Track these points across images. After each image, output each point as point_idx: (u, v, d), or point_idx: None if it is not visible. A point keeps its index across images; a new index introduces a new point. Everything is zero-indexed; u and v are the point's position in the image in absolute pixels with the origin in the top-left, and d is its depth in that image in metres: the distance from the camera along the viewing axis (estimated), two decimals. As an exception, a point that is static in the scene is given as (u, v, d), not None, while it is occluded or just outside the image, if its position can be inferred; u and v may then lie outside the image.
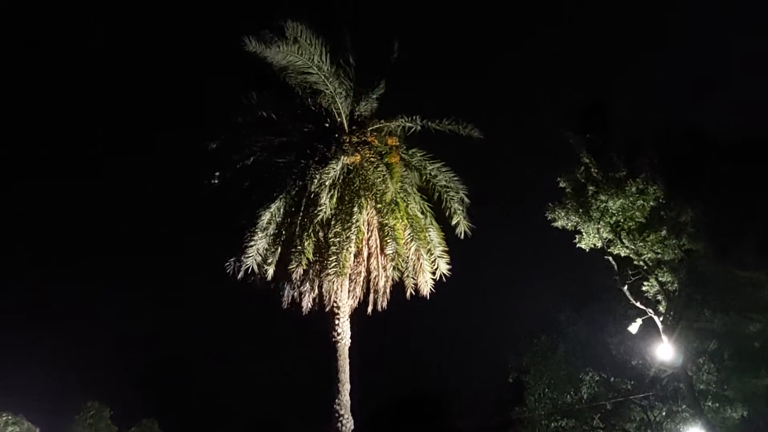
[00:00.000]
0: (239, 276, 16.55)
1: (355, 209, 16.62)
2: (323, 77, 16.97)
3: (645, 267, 27.08)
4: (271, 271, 16.45)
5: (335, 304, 17.35)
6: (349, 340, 17.56)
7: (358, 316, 17.91)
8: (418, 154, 17.81)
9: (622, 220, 26.41)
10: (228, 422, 43.77)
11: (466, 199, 17.40)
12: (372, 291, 17.57)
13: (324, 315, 17.62)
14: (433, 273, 17.33)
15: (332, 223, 16.57)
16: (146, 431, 34.63)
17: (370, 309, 17.69)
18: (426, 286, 17.38)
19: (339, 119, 17.61)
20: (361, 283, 17.53)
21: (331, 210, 16.28)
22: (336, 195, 16.44)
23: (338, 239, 16.31)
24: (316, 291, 17.24)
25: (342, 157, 16.60)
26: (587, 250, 27.67)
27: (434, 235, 17.62)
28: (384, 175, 16.37)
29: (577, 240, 27.64)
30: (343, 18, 18.18)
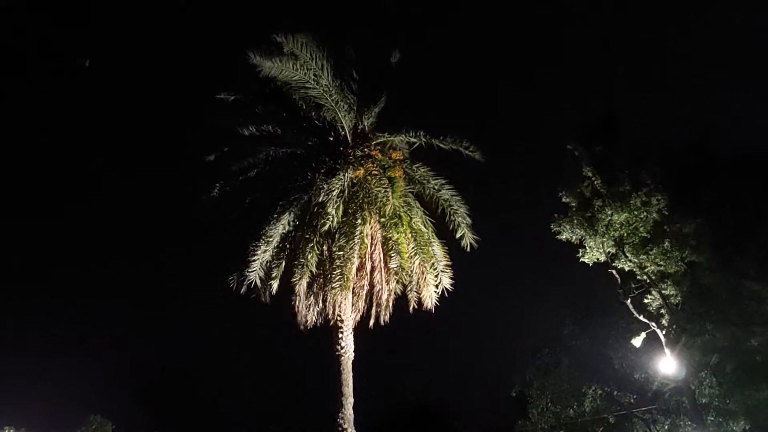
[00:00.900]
0: (242, 291, 16.57)
1: (359, 222, 16.62)
2: (322, 91, 17.02)
3: (648, 280, 27.08)
4: (275, 285, 16.44)
5: (339, 318, 17.30)
6: (353, 354, 17.49)
7: (360, 329, 17.86)
8: (422, 169, 17.82)
9: (625, 235, 26.43)
10: (231, 436, 43.54)
11: (467, 218, 17.40)
12: (375, 304, 17.49)
13: (328, 328, 17.60)
14: (437, 287, 17.29)
15: (336, 236, 16.57)
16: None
17: (372, 323, 17.63)
18: (430, 300, 17.32)
19: (343, 132, 17.66)
20: (364, 297, 17.48)
21: (337, 221, 16.29)
22: (341, 207, 16.46)
23: (342, 252, 16.29)
24: (320, 304, 17.29)
25: (348, 168, 16.64)
26: (590, 265, 27.67)
27: (437, 249, 17.63)
28: (386, 188, 16.30)
29: (580, 254, 27.63)
30: (347, 31, 18.29)
